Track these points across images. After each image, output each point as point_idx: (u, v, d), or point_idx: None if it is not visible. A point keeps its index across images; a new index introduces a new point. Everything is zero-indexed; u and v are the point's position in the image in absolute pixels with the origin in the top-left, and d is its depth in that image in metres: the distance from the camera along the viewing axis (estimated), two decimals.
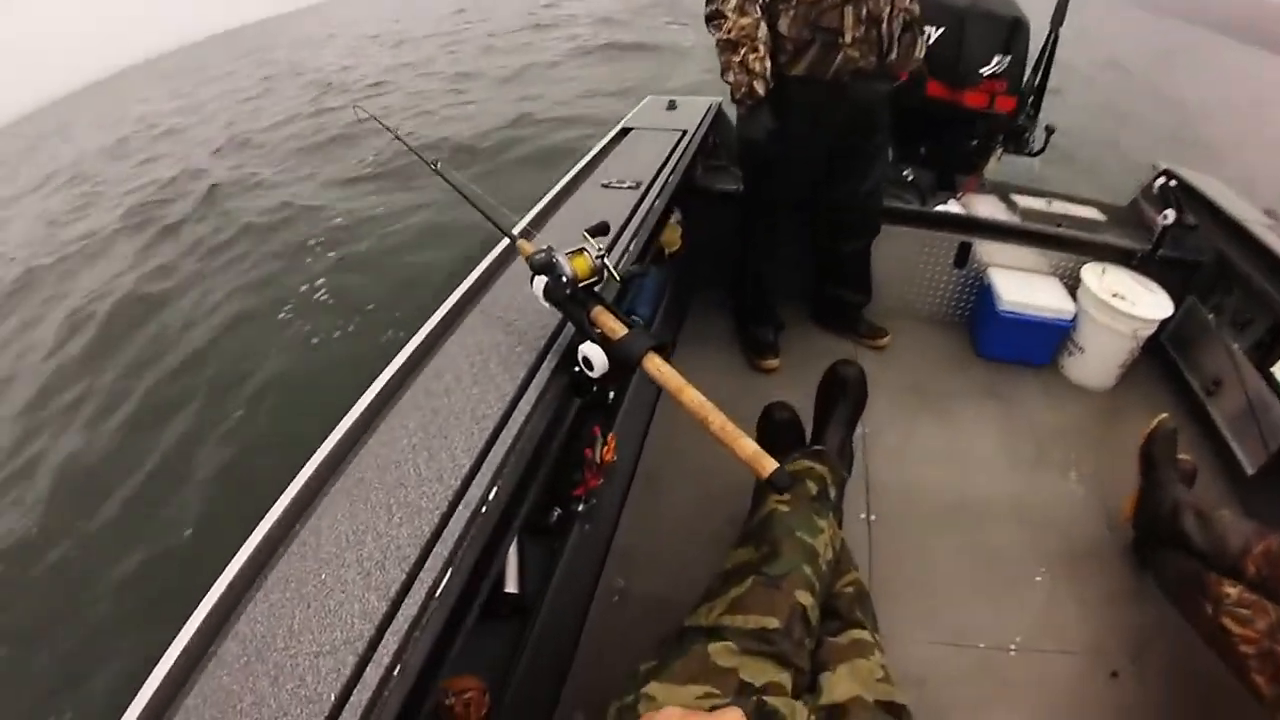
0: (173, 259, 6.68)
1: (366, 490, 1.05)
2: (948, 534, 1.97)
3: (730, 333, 2.77)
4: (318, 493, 1.08)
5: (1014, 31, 2.56)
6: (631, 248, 1.69)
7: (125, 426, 4.42)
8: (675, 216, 2.55)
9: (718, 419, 1.02)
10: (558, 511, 1.61)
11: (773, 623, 1.13)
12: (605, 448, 1.69)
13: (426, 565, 0.91)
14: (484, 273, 1.62)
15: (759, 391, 2.41)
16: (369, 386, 1.27)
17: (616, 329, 1.16)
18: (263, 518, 1.04)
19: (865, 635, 1.28)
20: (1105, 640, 1.72)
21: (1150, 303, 2.32)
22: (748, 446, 0.98)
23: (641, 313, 2.19)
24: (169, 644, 0.87)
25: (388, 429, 1.18)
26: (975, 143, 2.78)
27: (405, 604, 0.87)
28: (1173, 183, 2.58)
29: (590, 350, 1.17)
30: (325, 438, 1.17)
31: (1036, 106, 2.75)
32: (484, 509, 1.01)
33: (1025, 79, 2.68)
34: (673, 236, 2.55)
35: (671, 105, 2.85)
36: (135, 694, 0.83)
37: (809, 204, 2.45)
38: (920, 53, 2.21)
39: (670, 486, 2.16)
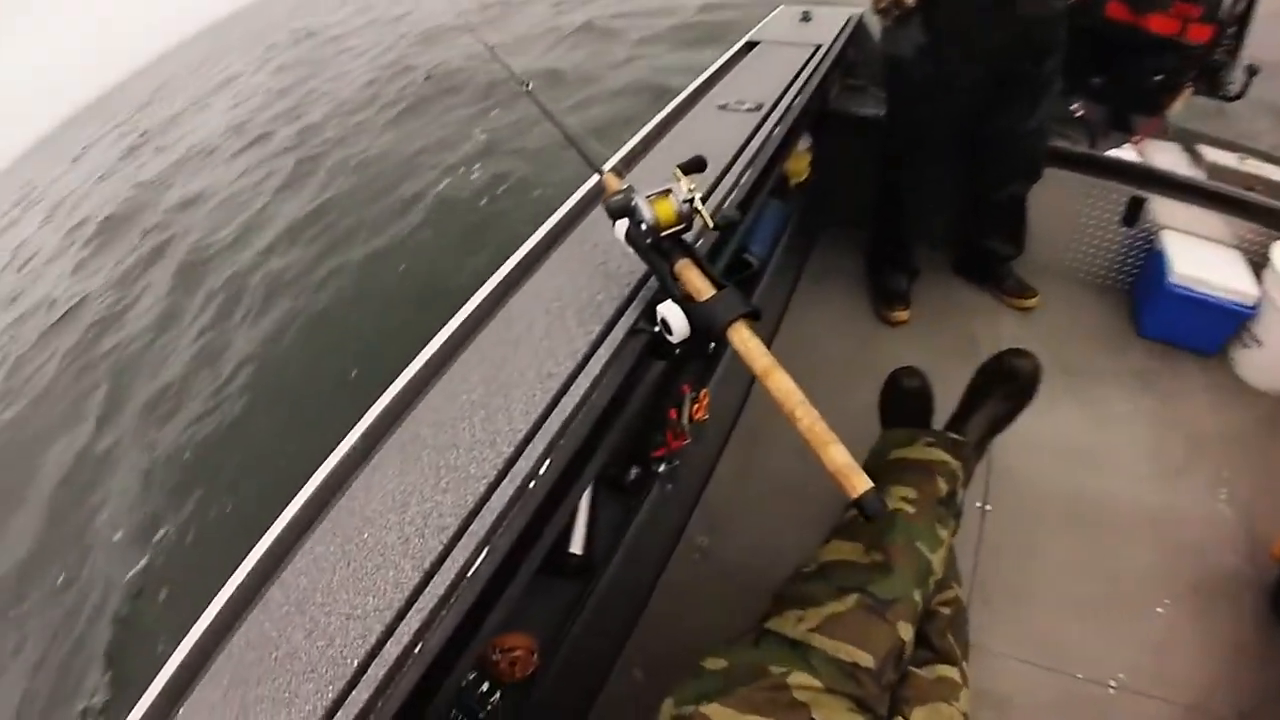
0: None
1: (420, 448, 1.02)
2: (1068, 539, 1.73)
3: (858, 275, 2.54)
4: (377, 442, 1.07)
5: None
6: (744, 180, 1.51)
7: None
8: (804, 143, 2.33)
9: (808, 416, 0.82)
10: (636, 470, 1.53)
11: (866, 660, 1.00)
12: (696, 406, 1.58)
13: (461, 542, 0.87)
14: (574, 208, 1.50)
15: (883, 346, 2.26)
16: (441, 328, 1.23)
17: (702, 288, 0.98)
18: (323, 461, 1.05)
19: (953, 673, 1.14)
20: (1216, 698, 1.47)
21: None
22: (838, 456, 0.79)
23: (756, 250, 2.02)
24: (223, 584, 0.93)
25: (451, 380, 1.14)
26: (1160, 78, 2.35)
27: (435, 580, 0.84)
28: None
29: (669, 311, 1.01)
30: (391, 383, 1.16)
31: (1238, 40, 2.29)
32: (532, 484, 0.93)
33: (1225, 5, 2.22)
34: (800, 165, 2.34)
35: (805, 17, 2.56)
36: (192, 624, 0.91)
37: (962, 136, 2.12)
38: None
39: (772, 444, 2.01)
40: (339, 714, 0.74)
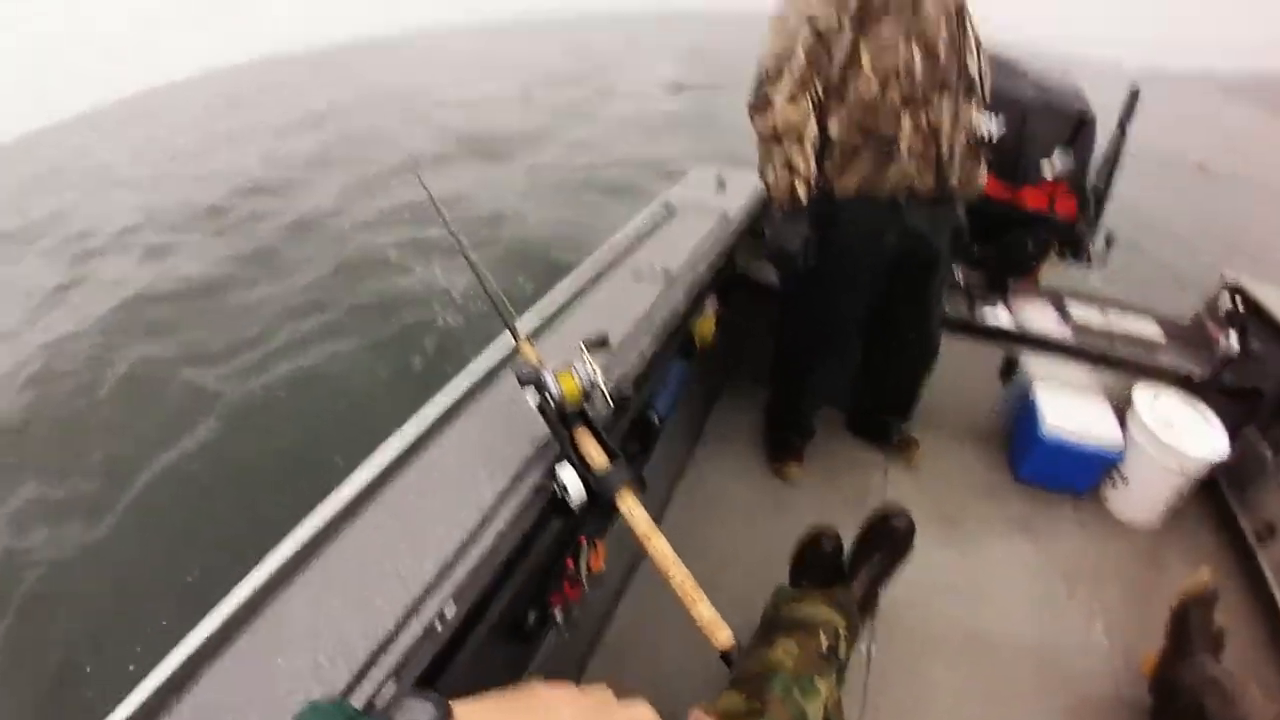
0: None
1: (334, 579, 1.06)
2: (953, 675, 1.85)
3: (757, 430, 2.67)
4: (295, 569, 1.09)
5: (1079, 128, 2.43)
6: (646, 349, 1.63)
7: None
8: (711, 305, 2.45)
9: (680, 574, 0.98)
10: (534, 615, 1.53)
11: None
12: (593, 556, 1.60)
13: (370, 674, 0.90)
14: (496, 364, 1.58)
15: (778, 500, 2.40)
16: (365, 462, 1.27)
17: (597, 458, 1.12)
18: (240, 580, 1.05)
19: None
20: None
21: (1203, 437, 2.16)
22: (705, 612, 0.95)
23: (659, 408, 2.10)
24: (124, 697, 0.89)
25: (368, 519, 1.18)
26: (1032, 247, 2.64)
27: None
28: (1238, 299, 2.42)
29: (567, 475, 1.12)
30: (309, 512, 1.18)
31: (1099, 211, 2.59)
32: (439, 625, 0.99)
33: (1089, 181, 2.53)
34: (706, 328, 2.44)
35: (720, 183, 2.76)
36: None
37: (858, 320, 2.24)
38: (983, 180, 2.09)
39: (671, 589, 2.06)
40: None
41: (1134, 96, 2.49)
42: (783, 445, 2.54)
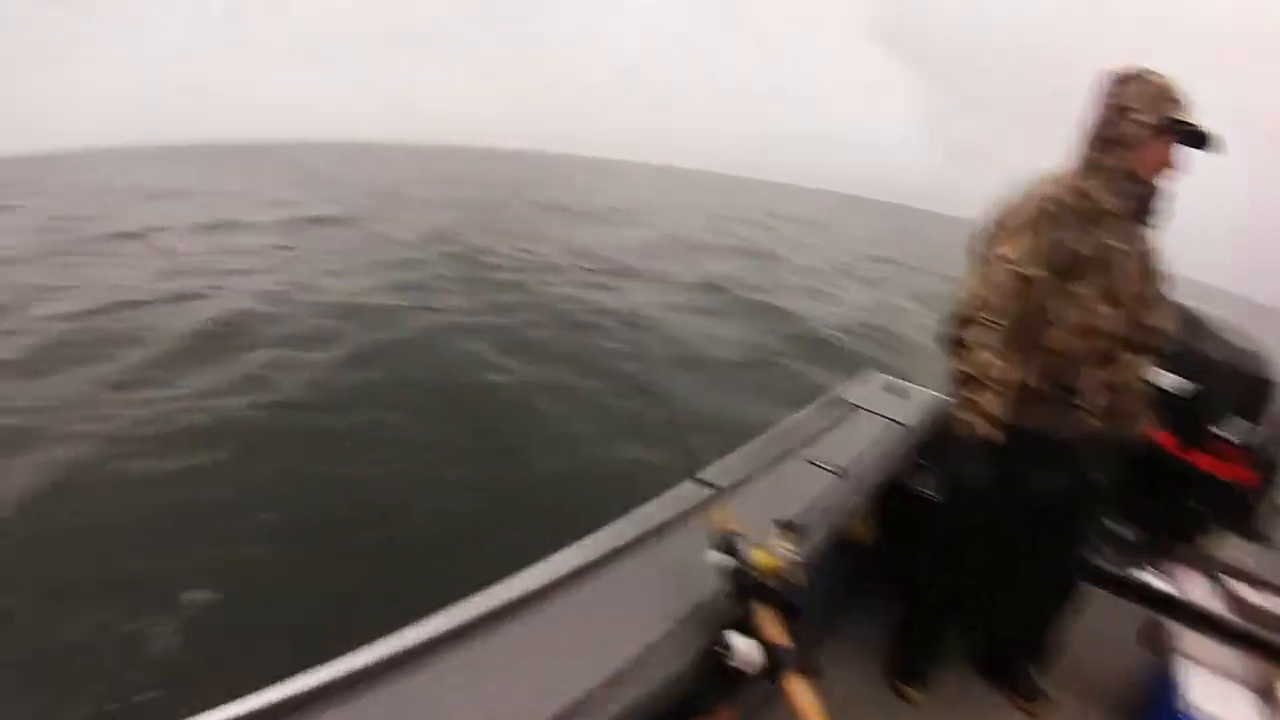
0: None
1: (487, 669, 1.11)
2: None
3: (878, 641, 2.56)
4: (446, 646, 1.15)
5: (1262, 395, 2.39)
6: (820, 542, 1.69)
7: None
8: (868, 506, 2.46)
9: None
10: None
11: None
12: None
13: None
14: (673, 517, 1.65)
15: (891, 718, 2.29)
16: (541, 561, 1.36)
17: (776, 635, 1.18)
18: (391, 632, 1.12)
19: None
20: None
21: None
22: None
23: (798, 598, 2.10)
24: None
25: (533, 620, 1.25)
26: (1194, 507, 2.54)
27: None
28: None
29: (737, 641, 1.19)
30: (483, 590, 1.26)
31: (1274, 483, 2.47)
32: None
33: (1267, 451, 2.43)
34: (860, 528, 2.43)
35: (895, 389, 2.85)
36: None
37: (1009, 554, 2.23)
38: (1146, 426, 2.08)
39: None
40: None
41: None
42: (909, 667, 2.44)
